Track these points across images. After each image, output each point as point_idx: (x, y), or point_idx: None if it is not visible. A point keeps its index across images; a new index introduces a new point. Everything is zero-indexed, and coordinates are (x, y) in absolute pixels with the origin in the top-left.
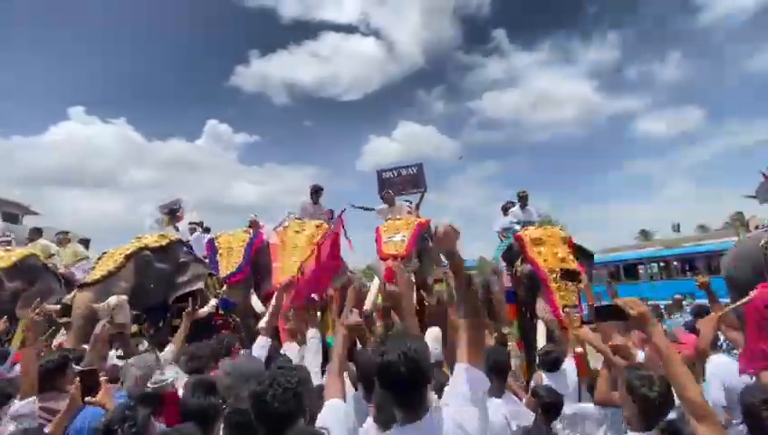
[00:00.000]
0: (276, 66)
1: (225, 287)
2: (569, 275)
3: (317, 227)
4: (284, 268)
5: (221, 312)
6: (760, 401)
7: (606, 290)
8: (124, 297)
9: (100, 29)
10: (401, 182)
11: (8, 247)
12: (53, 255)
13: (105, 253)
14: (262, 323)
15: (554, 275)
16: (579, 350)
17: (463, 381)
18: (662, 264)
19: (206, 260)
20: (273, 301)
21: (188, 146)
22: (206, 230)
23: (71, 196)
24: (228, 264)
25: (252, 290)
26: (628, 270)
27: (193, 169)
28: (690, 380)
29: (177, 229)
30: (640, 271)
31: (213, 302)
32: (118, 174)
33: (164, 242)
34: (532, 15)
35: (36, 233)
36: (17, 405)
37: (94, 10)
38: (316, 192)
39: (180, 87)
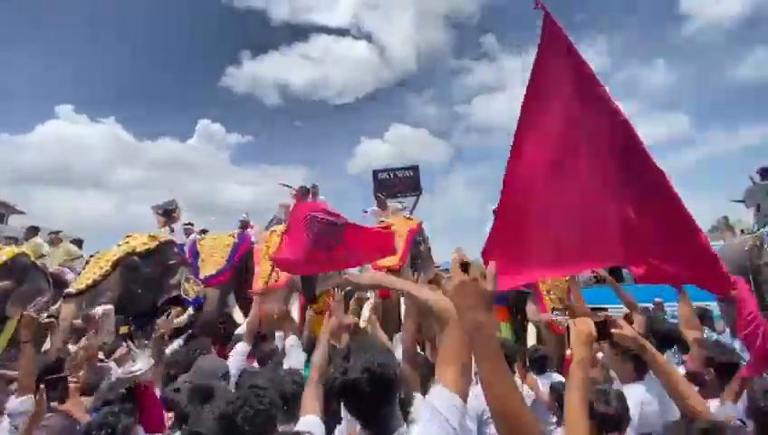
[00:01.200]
0: (268, 68)
1: (203, 287)
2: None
3: None
4: (262, 273)
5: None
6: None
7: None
8: (110, 307)
9: (88, 27)
10: (397, 184)
11: None
12: (44, 255)
13: (93, 256)
14: (241, 330)
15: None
16: (569, 352)
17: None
18: None
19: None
20: (252, 308)
21: (180, 146)
22: (204, 232)
23: (58, 195)
24: (209, 266)
25: (232, 296)
26: (612, 272)
27: (184, 168)
28: (692, 392)
29: (173, 230)
30: (624, 273)
31: (189, 311)
32: (106, 174)
33: (153, 245)
34: (520, 22)
35: (32, 232)
36: (15, 402)
37: (82, 7)
38: (307, 192)
39: (171, 87)
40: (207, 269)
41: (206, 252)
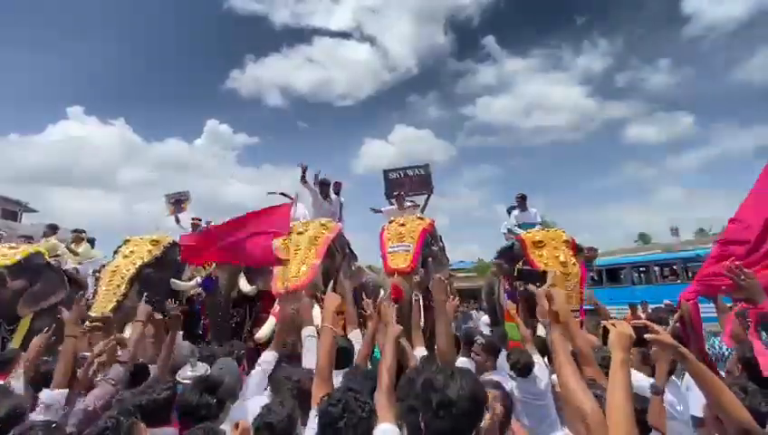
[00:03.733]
0: (271, 70)
1: (213, 265)
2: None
3: (321, 225)
4: (285, 273)
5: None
6: None
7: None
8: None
9: (99, 30)
10: (408, 183)
11: (12, 245)
12: (59, 254)
13: (104, 266)
14: (262, 333)
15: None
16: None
17: None
18: (643, 269)
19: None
20: (279, 318)
21: (187, 146)
22: (195, 226)
23: (68, 195)
24: None
25: (241, 274)
26: (611, 274)
27: (191, 169)
28: (726, 391)
29: (179, 220)
30: (622, 275)
31: (197, 279)
32: (115, 174)
33: (159, 251)
34: (521, 24)
35: (51, 230)
36: (47, 394)
37: (93, 11)
38: (321, 185)
39: (178, 90)
40: None
41: None
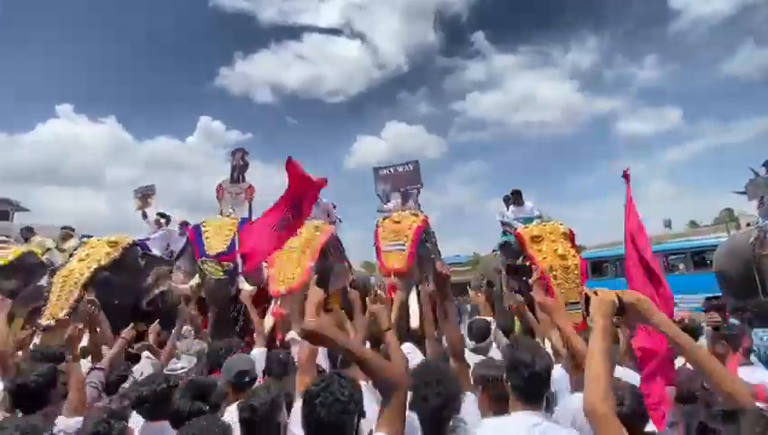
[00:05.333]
0: (260, 67)
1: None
2: (516, 271)
3: (315, 227)
4: (282, 275)
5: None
6: None
7: None
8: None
9: (87, 29)
10: (398, 179)
11: (3, 246)
12: (49, 249)
13: (56, 271)
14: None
15: (554, 273)
16: None
17: None
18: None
19: (191, 245)
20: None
21: (179, 144)
22: (184, 225)
23: (58, 194)
24: (216, 244)
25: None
26: (595, 267)
27: (183, 166)
28: (721, 368)
29: (146, 216)
30: (606, 268)
31: (196, 279)
32: (105, 172)
33: (117, 252)
34: (510, 20)
35: (29, 232)
36: (69, 422)
37: (82, 10)
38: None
39: (168, 87)
40: (217, 246)
41: (211, 231)
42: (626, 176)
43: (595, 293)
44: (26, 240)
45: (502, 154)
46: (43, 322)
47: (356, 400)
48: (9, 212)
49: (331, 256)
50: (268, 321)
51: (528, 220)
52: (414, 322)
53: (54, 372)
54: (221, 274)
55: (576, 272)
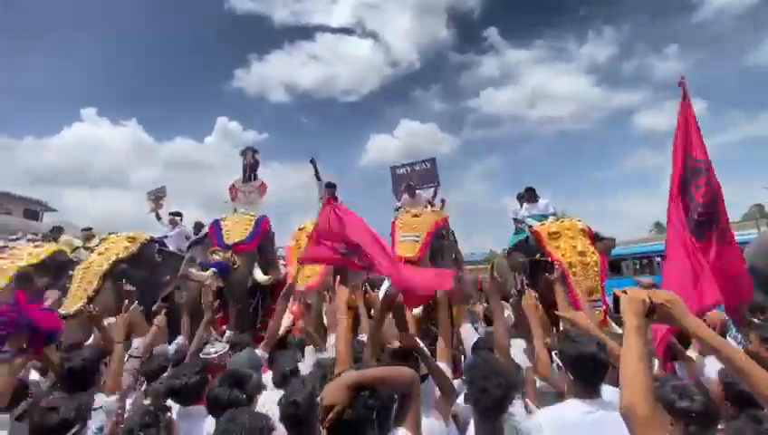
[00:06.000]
0: (275, 68)
1: (230, 253)
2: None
3: None
4: (300, 273)
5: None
6: None
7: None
8: (112, 320)
9: (108, 33)
10: (415, 177)
11: (37, 244)
12: (78, 247)
13: (77, 264)
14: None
15: (574, 269)
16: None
17: None
18: (645, 260)
19: (211, 238)
20: (275, 316)
21: (197, 144)
22: (198, 227)
23: (83, 195)
24: (235, 234)
25: (255, 264)
26: (612, 265)
27: (201, 166)
28: (755, 367)
29: (159, 217)
30: (623, 266)
31: (212, 271)
32: (128, 173)
33: (135, 247)
34: (523, 14)
35: (58, 232)
36: (108, 399)
37: (103, 18)
38: (329, 187)
39: (186, 89)
40: (235, 236)
41: (230, 224)
42: (682, 85)
43: (624, 292)
44: (55, 240)
45: (517, 150)
46: (62, 311)
47: (388, 406)
48: (39, 212)
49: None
50: (286, 319)
51: (542, 217)
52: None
53: (99, 356)
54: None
55: (596, 269)
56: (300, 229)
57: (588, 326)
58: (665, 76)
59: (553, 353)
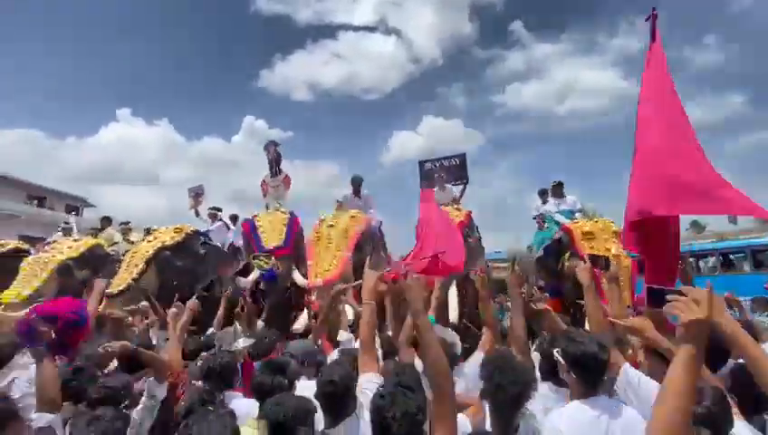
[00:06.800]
0: (298, 68)
1: (273, 259)
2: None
3: (351, 218)
4: (319, 266)
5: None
6: None
7: None
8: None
9: (140, 37)
10: (444, 173)
11: (75, 238)
12: (116, 243)
13: (128, 251)
14: (299, 325)
15: None
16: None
17: None
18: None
19: (246, 238)
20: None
21: (225, 143)
22: (234, 219)
23: (118, 192)
24: (272, 237)
25: (294, 265)
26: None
27: (230, 165)
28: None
29: (198, 214)
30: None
31: (255, 274)
32: (159, 172)
33: (180, 237)
34: (549, 7)
35: (107, 222)
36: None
37: (130, 21)
38: (354, 182)
39: (214, 90)
40: (273, 240)
41: (266, 225)
42: (652, 18)
43: (681, 293)
44: (102, 229)
45: (545, 145)
46: (109, 290)
47: (423, 408)
48: (79, 208)
49: (366, 248)
50: (304, 316)
51: (569, 214)
52: (453, 315)
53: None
54: (266, 270)
55: (628, 275)
56: (321, 220)
57: (655, 336)
58: (702, 68)
59: (555, 352)
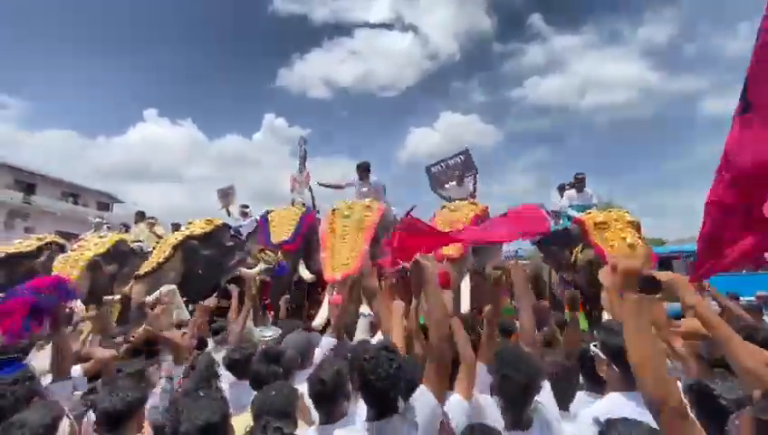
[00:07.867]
0: (315, 66)
1: (280, 253)
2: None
3: (366, 207)
4: (335, 260)
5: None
6: None
7: None
8: (173, 287)
9: (161, 37)
10: (452, 172)
11: (102, 235)
12: (141, 240)
13: (160, 240)
14: (317, 322)
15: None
16: None
17: None
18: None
19: (259, 232)
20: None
21: (246, 141)
22: (244, 208)
23: (144, 189)
24: (280, 232)
25: (301, 260)
26: (662, 263)
27: (251, 162)
28: (744, 346)
29: (229, 213)
30: (674, 266)
31: (261, 265)
32: (182, 170)
33: (209, 229)
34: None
35: (141, 217)
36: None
37: (158, 29)
38: (359, 168)
39: (234, 89)
40: (281, 235)
41: (276, 221)
42: None
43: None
44: (136, 223)
45: (567, 140)
46: (138, 271)
47: (403, 368)
48: (110, 204)
49: (383, 239)
50: (324, 310)
51: (583, 208)
52: (465, 306)
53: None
54: (271, 264)
55: (649, 267)
56: (333, 210)
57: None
58: (734, 57)
59: (591, 346)
